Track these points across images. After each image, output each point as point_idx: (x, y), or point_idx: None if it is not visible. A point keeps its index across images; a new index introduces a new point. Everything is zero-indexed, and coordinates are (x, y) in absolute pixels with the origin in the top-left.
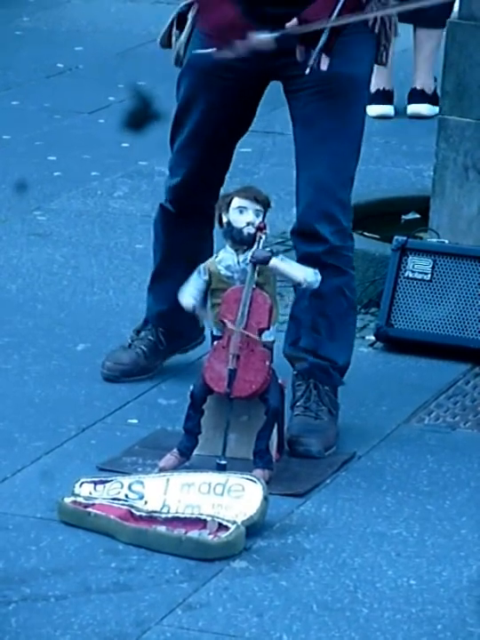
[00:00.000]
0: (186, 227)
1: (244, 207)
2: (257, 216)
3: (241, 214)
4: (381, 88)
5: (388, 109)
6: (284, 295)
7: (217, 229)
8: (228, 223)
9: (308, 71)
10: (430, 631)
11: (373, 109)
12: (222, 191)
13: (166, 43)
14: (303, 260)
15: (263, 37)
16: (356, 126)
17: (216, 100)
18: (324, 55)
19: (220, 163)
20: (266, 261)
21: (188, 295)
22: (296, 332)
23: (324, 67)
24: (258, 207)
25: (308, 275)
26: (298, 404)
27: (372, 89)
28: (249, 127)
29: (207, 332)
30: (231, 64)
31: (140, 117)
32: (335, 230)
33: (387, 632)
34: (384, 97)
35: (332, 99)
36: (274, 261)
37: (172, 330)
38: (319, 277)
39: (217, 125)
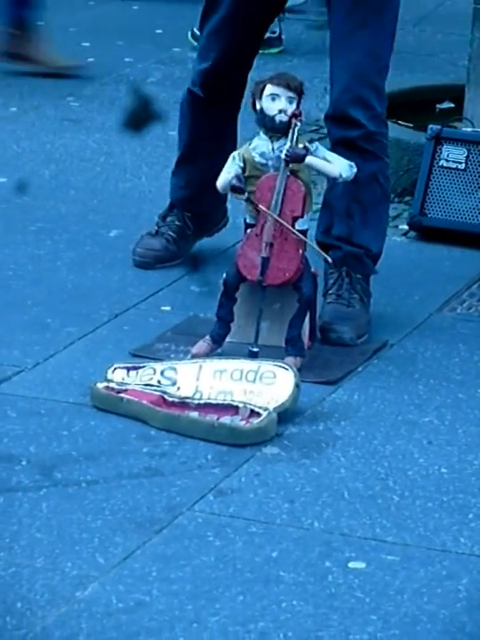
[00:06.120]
0: (213, 111)
1: (277, 94)
2: (290, 103)
3: (273, 102)
4: None
5: None
6: (317, 183)
7: (244, 116)
8: (261, 110)
9: None
10: (461, 520)
11: None
12: (249, 76)
13: None
14: (338, 144)
15: None
16: (393, 13)
17: None
18: None
19: (251, 47)
20: (301, 159)
21: (224, 179)
22: (329, 219)
23: None
24: (291, 94)
25: (343, 169)
26: (330, 291)
27: None
28: (280, 11)
29: (239, 219)
30: None
31: (139, 118)
32: (370, 116)
33: (418, 520)
34: None
35: None
36: (309, 159)
37: (197, 213)
38: (355, 170)
39: (250, 9)
